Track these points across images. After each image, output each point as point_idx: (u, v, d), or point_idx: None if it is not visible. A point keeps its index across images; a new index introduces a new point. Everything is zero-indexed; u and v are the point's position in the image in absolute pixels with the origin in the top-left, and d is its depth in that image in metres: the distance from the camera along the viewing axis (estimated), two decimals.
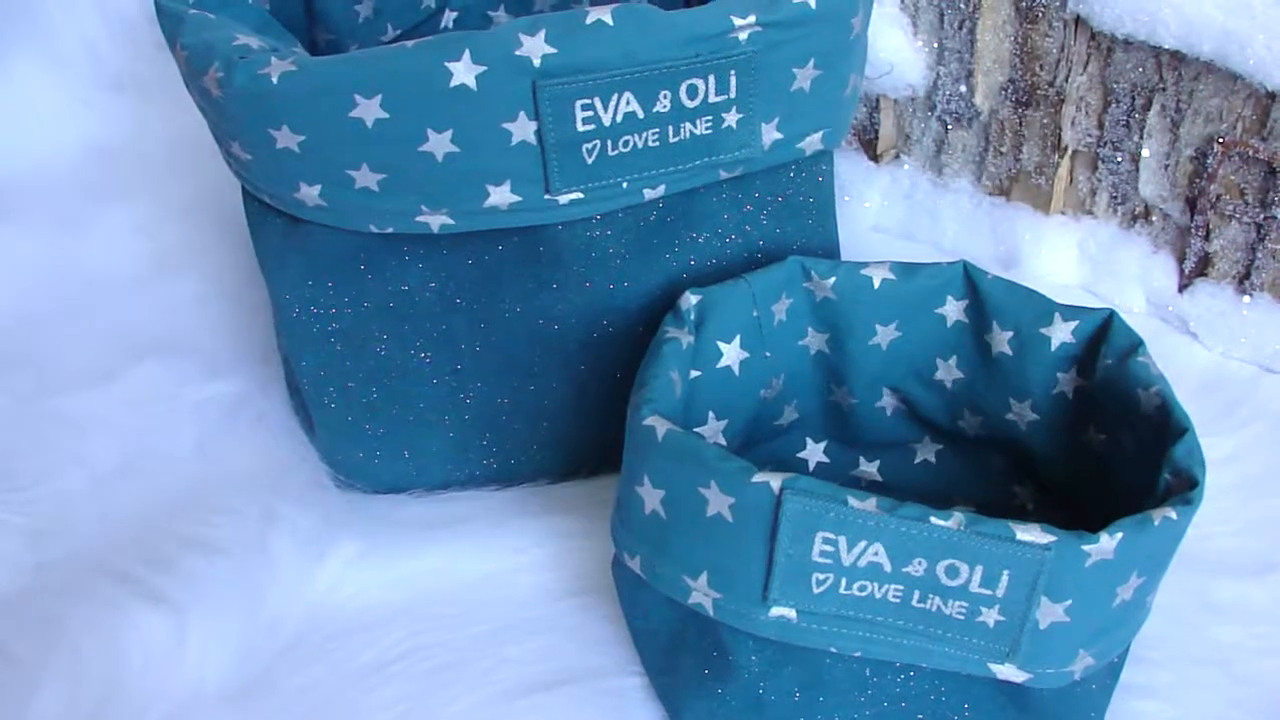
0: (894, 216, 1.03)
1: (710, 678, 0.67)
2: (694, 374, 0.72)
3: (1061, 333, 0.73)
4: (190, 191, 1.13)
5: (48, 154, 1.14)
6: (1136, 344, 0.70)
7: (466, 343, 0.76)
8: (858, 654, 0.64)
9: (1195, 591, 0.76)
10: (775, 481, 0.59)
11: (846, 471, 0.81)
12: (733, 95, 0.72)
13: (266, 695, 0.71)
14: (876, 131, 1.03)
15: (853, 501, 0.59)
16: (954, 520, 0.59)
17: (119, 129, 1.18)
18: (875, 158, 1.04)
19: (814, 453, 0.82)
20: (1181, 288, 0.94)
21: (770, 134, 0.75)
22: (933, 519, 0.59)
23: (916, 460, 0.81)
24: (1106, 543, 0.59)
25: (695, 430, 0.72)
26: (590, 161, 0.71)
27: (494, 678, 0.70)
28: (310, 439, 0.84)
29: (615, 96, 0.70)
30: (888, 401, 0.78)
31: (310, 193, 0.72)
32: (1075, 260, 0.97)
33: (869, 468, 0.83)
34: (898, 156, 1.04)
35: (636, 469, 0.65)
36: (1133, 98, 0.91)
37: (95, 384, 0.91)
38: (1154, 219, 0.94)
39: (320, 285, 0.76)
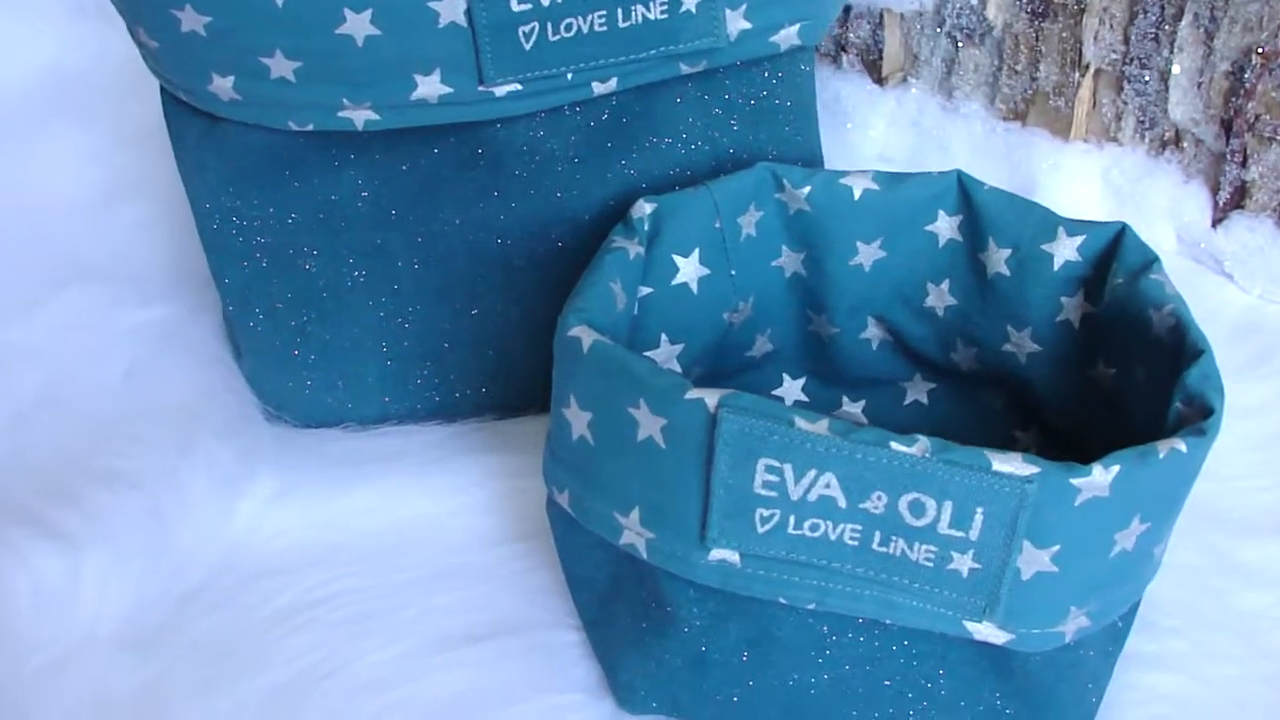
0: (900, 145, 0.96)
1: (648, 632, 0.60)
2: (644, 291, 0.65)
3: (1066, 250, 0.65)
4: (148, 118, 1.05)
5: (2, 77, 1.07)
6: (1150, 260, 0.62)
7: (404, 259, 0.71)
8: (811, 606, 0.55)
9: (1217, 552, 0.70)
10: (711, 398, 0.51)
11: (828, 412, 0.72)
12: None
13: (163, 642, 0.66)
14: (881, 51, 0.95)
15: (800, 422, 0.50)
16: (918, 446, 0.50)
17: (79, 53, 1.12)
18: (880, 81, 0.96)
19: (791, 390, 0.74)
20: (1215, 222, 0.87)
21: (737, 23, 0.67)
22: (893, 444, 0.50)
23: (906, 401, 0.74)
24: (1100, 476, 0.50)
25: (646, 355, 0.63)
26: (528, 47, 0.65)
27: (417, 628, 0.65)
28: (240, 368, 0.79)
29: None
30: (873, 332, 0.71)
31: (224, 85, 0.66)
32: (1098, 192, 0.90)
33: (853, 408, 0.74)
34: (905, 79, 0.96)
35: (563, 388, 0.57)
36: (1162, 6, 0.83)
37: (19, 311, 0.85)
38: (1185, 145, 0.87)
39: (242, 193, 0.70)
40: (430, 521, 0.71)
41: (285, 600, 0.67)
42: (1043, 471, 0.50)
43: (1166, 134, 0.89)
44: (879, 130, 0.98)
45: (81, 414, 0.77)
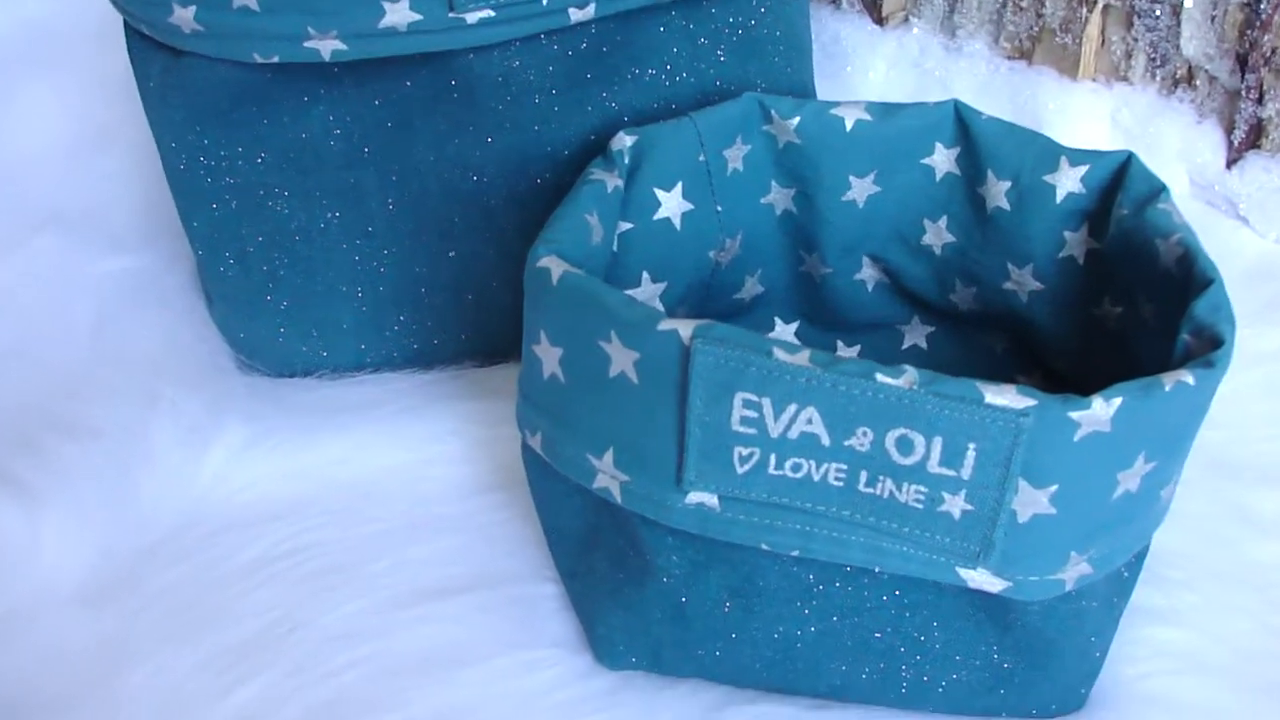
0: (902, 87, 0.92)
1: (625, 583, 0.57)
2: (624, 226, 0.62)
3: (1069, 181, 0.61)
4: (127, 66, 1.04)
5: None
6: (1158, 189, 0.59)
7: (377, 200, 0.69)
8: (795, 553, 0.52)
9: (1230, 502, 0.67)
10: (685, 329, 0.48)
11: None
12: None
13: (125, 596, 0.64)
14: None
15: (778, 353, 0.47)
16: (905, 378, 0.47)
17: (57, 1, 1.09)
18: (880, 20, 0.93)
19: (784, 334, 0.71)
20: (1230, 163, 0.83)
21: None
22: (878, 375, 0.47)
23: (904, 345, 0.72)
24: (1101, 410, 0.47)
25: (626, 293, 0.60)
26: None
27: (387, 581, 0.63)
28: (212, 316, 0.77)
29: None
30: (868, 273, 0.69)
31: (185, 15, 0.63)
32: (1107, 133, 0.86)
33: (848, 352, 0.71)
34: (906, 19, 0.93)
35: (533, 324, 0.54)
36: None
37: None
38: (1198, 83, 0.83)
39: (208, 131, 0.68)
40: (404, 472, 0.69)
41: (252, 554, 0.65)
42: (1039, 404, 0.47)
43: (1178, 71, 0.85)
44: (879, 73, 0.94)
45: (48, 364, 0.75)
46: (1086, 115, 0.88)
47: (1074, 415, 0.47)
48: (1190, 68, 0.84)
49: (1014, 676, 0.56)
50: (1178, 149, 0.85)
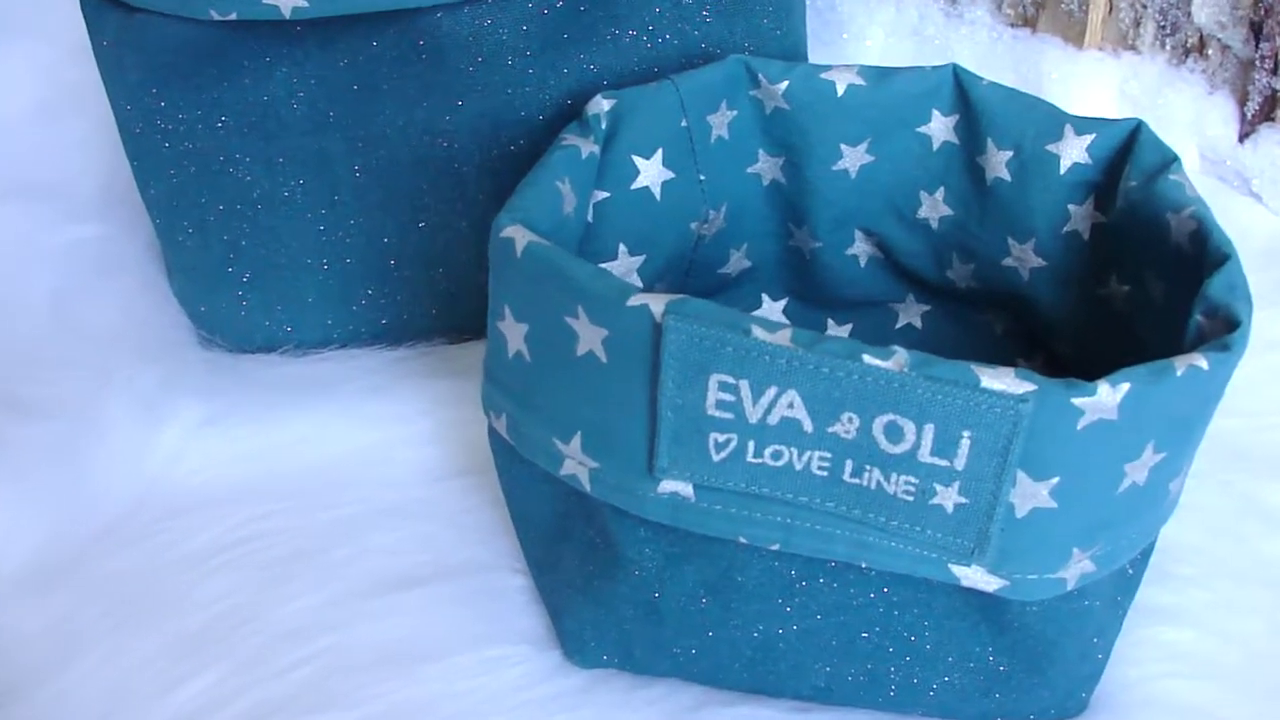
0: (900, 56, 0.90)
1: (596, 576, 0.54)
2: (600, 195, 0.59)
3: (1074, 150, 0.58)
4: None
5: None
6: (1169, 160, 0.55)
7: (343, 167, 0.67)
8: (775, 547, 0.49)
9: (1243, 495, 0.64)
10: (657, 305, 0.44)
11: None
12: None
13: (71, 582, 0.61)
14: None
15: (757, 331, 0.43)
16: (895, 359, 0.43)
17: None
18: None
19: (771, 312, 0.68)
20: (1243, 136, 0.80)
21: None
22: (865, 356, 0.43)
23: (898, 324, 0.69)
24: (1107, 396, 0.43)
25: (598, 266, 0.56)
26: None
27: (348, 571, 0.61)
28: (171, 289, 0.74)
29: None
30: (860, 248, 0.66)
31: None
32: (1114, 104, 0.84)
33: (839, 331, 0.68)
34: None
35: (498, 299, 0.51)
36: None
37: None
38: (1210, 52, 0.80)
39: (165, 94, 0.65)
40: (369, 454, 0.66)
41: (205, 539, 0.62)
42: (1039, 389, 0.43)
43: (1189, 40, 0.82)
44: (877, 40, 0.91)
45: (1, 337, 0.72)
46: (1092, 86, 0.85)
47: (1078, 402, 0.43)
48: (1202, 36, 0.81)
49: (1010, 679, 0.52)
50: (1188, 121, 0.83)
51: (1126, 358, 0.57)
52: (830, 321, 0.69)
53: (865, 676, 0.53)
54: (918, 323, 0.68)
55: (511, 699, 0.55)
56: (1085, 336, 0.62)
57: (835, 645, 0.52)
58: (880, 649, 0.52)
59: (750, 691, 0.55)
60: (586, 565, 0.54)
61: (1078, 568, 0.48)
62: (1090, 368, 0.59)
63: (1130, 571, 0.53)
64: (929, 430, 0.44)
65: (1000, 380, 0.43)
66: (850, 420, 0.45)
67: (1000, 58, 0.87)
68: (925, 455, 0.45)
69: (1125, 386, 0.44)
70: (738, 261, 0.66)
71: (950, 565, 0.48)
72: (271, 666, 0.56)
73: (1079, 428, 0.44)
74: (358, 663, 0.56)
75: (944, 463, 0.45)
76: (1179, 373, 0.45)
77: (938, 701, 0.53)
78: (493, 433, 0.56)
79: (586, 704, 0.55)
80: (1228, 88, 0.82)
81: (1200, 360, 0.45)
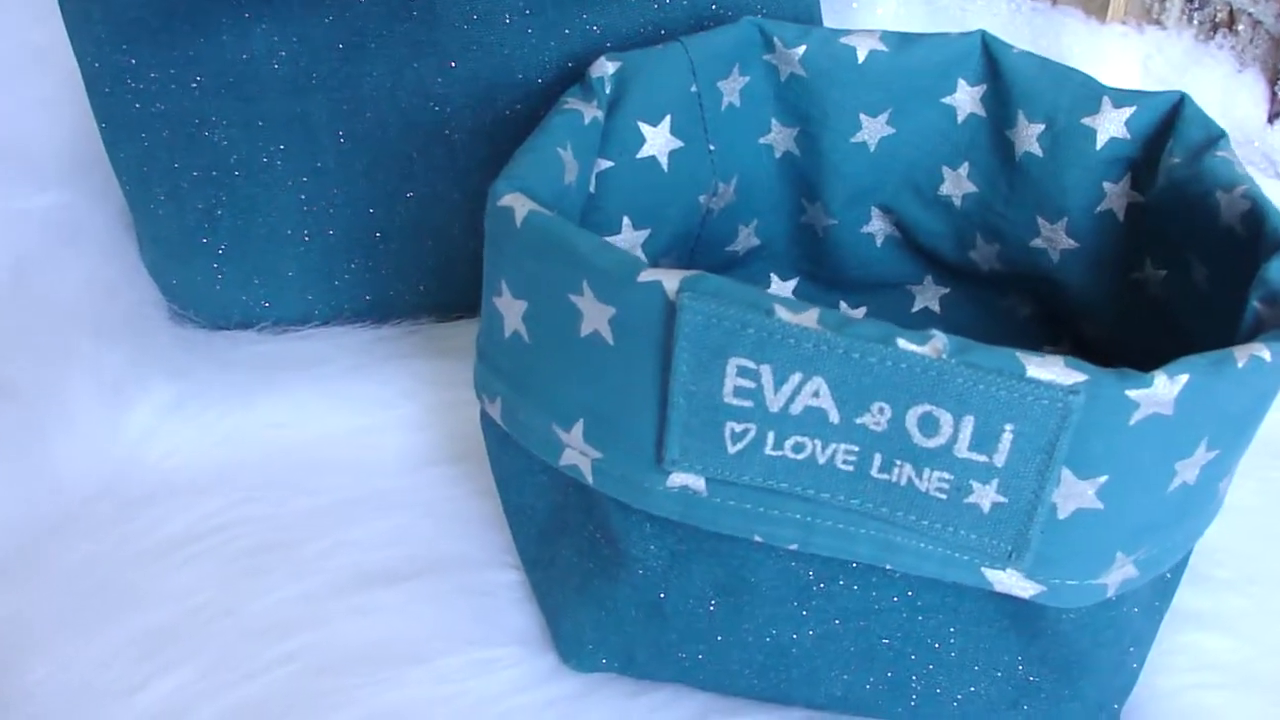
0: (913, 27, 0.88)
1: (596, 574, 0.51)
2: (604, 165, 0.56)
3: (1112, 125, 0.56)
4: None
5: None
6: (1216, 136, 0.53)
7: (327, 132, 0.64)
8: (794, 546, 0.46)
9: None
10: (670, 281, 0.41)
11: None
12: None
13: (29, 574, 0.59)
14: None
15: (781, 312, 0.40)
16: (932, 345, 0.39)
17: None
18: None
19: (780, 292, 0.65)
20: (1273, 117, 0.79)
21: None
22: (900, 341, 0.40)
23: (915, 308, 0.67)
24: (1164, 389, 0.40)
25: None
26: None
27: (326, 564, 0.58)
28: (142, 260, 0.72)
29: None
30: (877, 226, 0.64)
31: None
32: (1138, 81, 0.83)
33: (853, 315, 0.63)
34: None
35: (494, 273, 0.48)
36: None
37: None
38: (1240, 27, 0.79)
39: (135, 50, 0.63)
40: (350, 439, 0.64)
41: (175, 528, 0.60)
42: (1091, 380, 0.40)
43: (1218, 14, 0.81)
44: (888, 8, 0.90)
45: None
46: (1115, 62, 0.84)
47: (1133, 394, 0.40)
48: (1231, 11, 0.80)
49: (1040, 690, 0.50)
50: (1216, 100, 0.81)
51: (1162, 346, 0.54)
52: (843, 304, 0.66)
53: (885, 685, 0.50)
54: (936, 306, 0.66)
55: (501, 704, 0.53)
56: (1117, 323, 0.60)
57: (854, 652, 0.49)
58: (902, 656, 0.49)
59: (760, 700, 0.53)
60: (586, 562, 0.51)
61: (1120, 573, 0.45)
62: (1121, 356, 0.56)
63: (1168, 575, 0.50)
64: (968, 423, 0.41)
65: (1048, 369, 0.40)
66: (881, 411, 0.41)
67: (1019, 30, 0.86)
68: (962, 450, 0.41)
69: (1184, 378, 0.40)
70: (746, 238, 0.64)
71: (983, 569, 0.45)
72: (243, 667, 0.54)
73: (1131, 423, 0.41)
74: (335, 664, 0.54)
75: (982, 458, 0.41)
76: (1240, 364, 0.41)
77: (961, 713, 0.51)
78: (485, 417, 0.52)
79: (583, 711, 0.53)
80: (1258, 65, 0.80)
81: (1263, 351, 0.42)
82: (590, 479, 0.47)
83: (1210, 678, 0.55)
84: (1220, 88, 0.81)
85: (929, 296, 0.66)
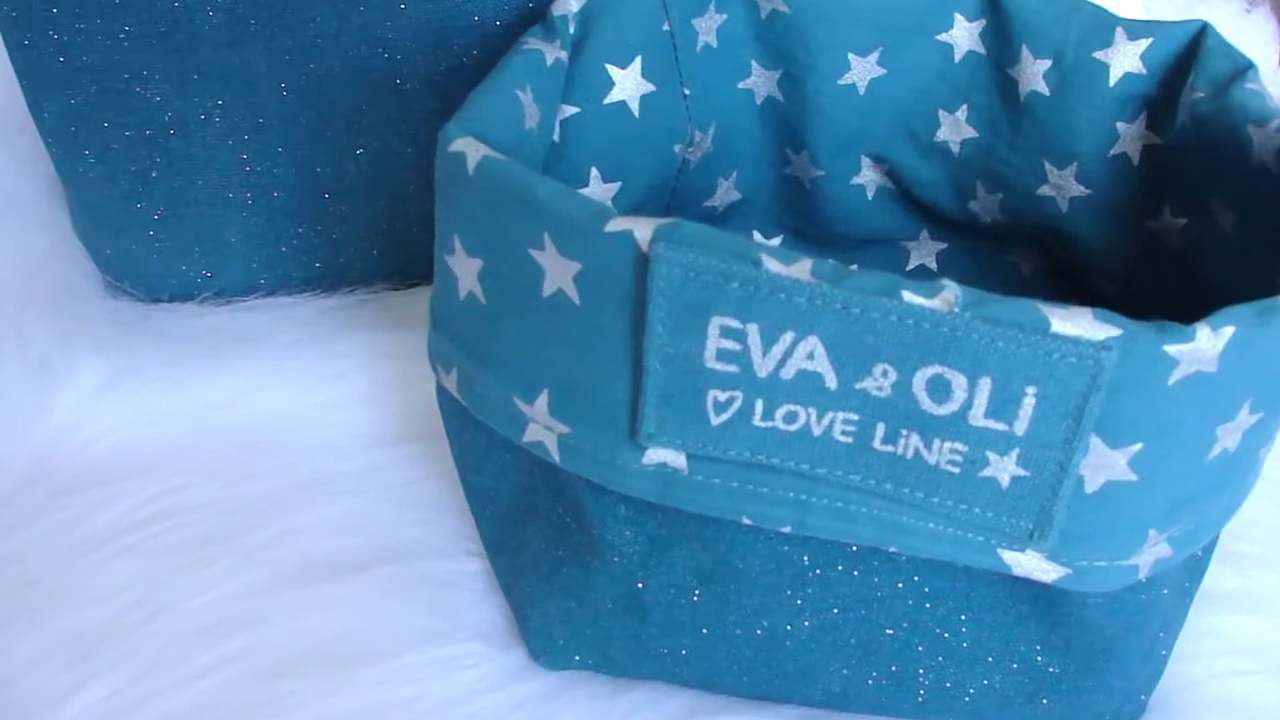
0: None
1: (566, 562, 0.48)
2: (568, 111, 0.53)
3: (1126, 58, 0.53)
4: None
5: None
6: (1244, 66, 0.50)
7: (269, 84, 0.62)
8: (786, 528, 0.42)
9: None
10: (643, 230, 0.37)
11: None
12: None
13: None
14: None
15: (770, 263, 0.35)
16: (942, 297, 0.35)
17: None
18: None
19: None
20: None
21: None
22: (905, 294, 0.36)
23: (910, 265, 0.64)
24: (1207, 343, 0.36)
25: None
26: None
27: (271, 556, 0.56)
28: (74, 228, 0.69)
29: None
30: (868, 176, 0.61)
31: None
32: None
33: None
34: None
35: (446, 227, 0.44)
36: None
37: None
38: None
39: None
40: (297, 417, 0.62)
41: (106, 518, 0.58)
42: (1125, 334, 0.35)
43: None
44: None
45: None
46: (1118, 4, 0.78)
47: (1172, 350, 0.36)
48: None
49: (1061, 682, 0.46)
50: None
51: (1182, 299, 0.51)
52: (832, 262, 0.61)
53: (889, 680, 0.47)
54: (932, 263, 0.64)
55: (465, 707, 0.50)
56: (1130, 277, 0.57)
57: (854, 644, 0.46)
58: (908, 648, 0.46)
59: (750, 698, 0.50)
60: (555, 549, 0.48)
61: (1153, 552, 0.41)
62: (1133, 315, 0.52)
63: (1199, 553, 0.47)
64: (984, 386, 0.36)
65: (1076, 323, 0.35)
66: (885, 373, 0.37)
67: None
68: (978, 417, 0.37)
69: (1229, 331, 0.36)
70: (726, 192, 0.62)
71: (1000, 551, 0.41)
72: (180, 671, 0.52)
73: (1170, 383, 0.37)
74: (281, 666, 0.52)
75: (1001, 426, 0.37)
76: None
77: (974, 708, 0.47)
78: (441, 391, 0.49)
79: (554, 713, 0.51)
80: (1267, 5, 0.78)
81: None
82: (557, 457, 0.43)
83: (1241, 663, 0.52)
84: (1227, 28, 0.77)
85: (925, 253, 0.63)
